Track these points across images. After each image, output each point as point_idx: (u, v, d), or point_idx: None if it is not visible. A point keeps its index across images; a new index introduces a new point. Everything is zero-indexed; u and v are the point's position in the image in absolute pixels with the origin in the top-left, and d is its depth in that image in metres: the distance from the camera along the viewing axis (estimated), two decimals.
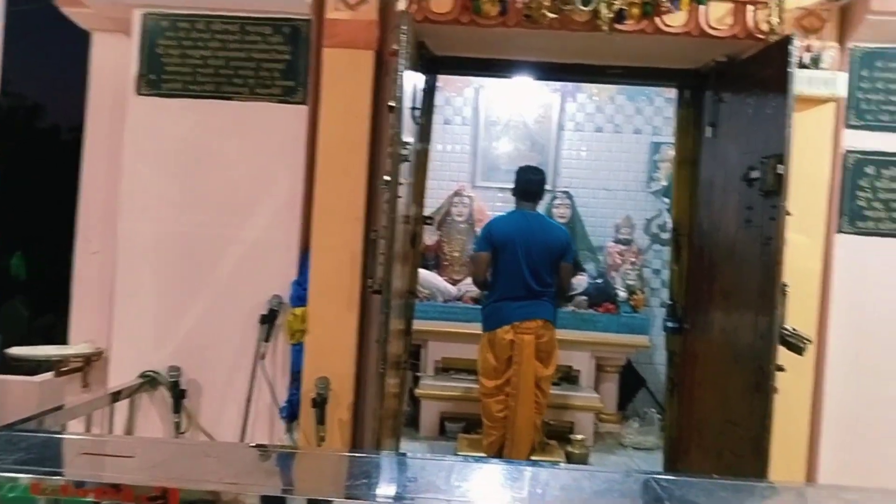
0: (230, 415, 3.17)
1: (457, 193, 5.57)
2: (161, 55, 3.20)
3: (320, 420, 3.01)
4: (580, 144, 5.88)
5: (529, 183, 4.01)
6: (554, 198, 5.54)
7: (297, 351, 3.14)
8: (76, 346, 3.40)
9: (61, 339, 3.53)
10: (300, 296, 3.10)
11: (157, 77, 3.20)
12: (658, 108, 5.78)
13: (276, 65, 3.17)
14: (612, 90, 5.75)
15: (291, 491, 1.68)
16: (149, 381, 3.15)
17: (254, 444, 2.64)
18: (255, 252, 3.16)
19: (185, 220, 3.19)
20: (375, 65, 3.10)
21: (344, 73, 3.08)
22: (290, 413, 3.14)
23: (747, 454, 2.79)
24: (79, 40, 3.59)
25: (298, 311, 3.09)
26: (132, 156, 3.21)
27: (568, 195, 5.56)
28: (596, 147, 5.87)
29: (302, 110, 3.16)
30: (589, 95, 5.83)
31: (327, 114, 3.10)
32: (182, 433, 3.16)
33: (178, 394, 3.13)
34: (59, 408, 2.64)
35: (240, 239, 3.17)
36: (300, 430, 3.11)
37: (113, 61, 3.42)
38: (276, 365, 3.20)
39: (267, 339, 3.13)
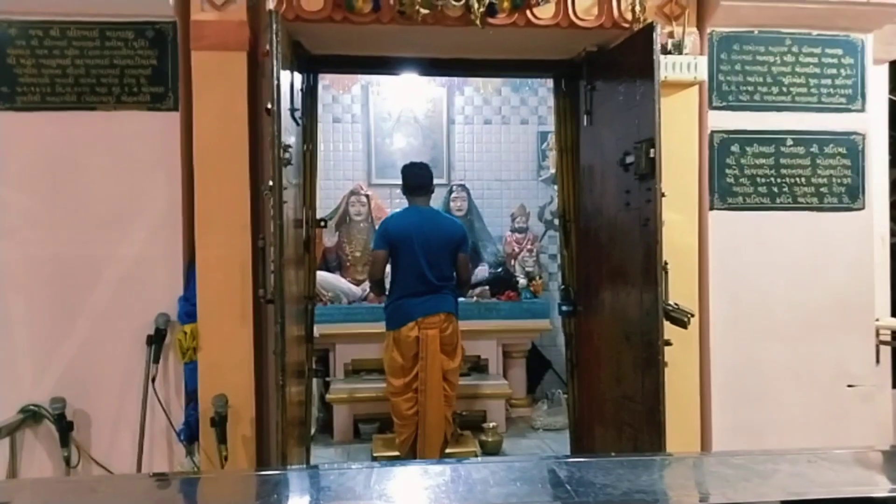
0: (124, 443, 3.01)
1: (353, 192, 5.51)
2: (13, 66, 2.98)
3: (221, 439, 2.91)
4: (471, 137, 5.96)
5: (416, 178, 4.01)
6: (450, 191, 5.59)
7: (191, 369, 3.01)
8: None
9: None
10: (188, 312, 2.98)
11: (9, 90, 2.98)
12: (542, 97, 5.93)
13: (142, 70, 3.02)
14: (498, 82, 5.85)
15: None
16: (30, 415, 2.94)
17: (150, 474, 2.51)
18: (135, 269, 3.01)
19: (57, 240, 2.99)
20: (249, 66, 3.01)
21: (216, 77, 2.96)
22: (189, 435, 3.01)
23: (644, 427, 2.92)
24: None
25: (188, 327, 2.97)
26: None
27: (464, 188, 5.62)
28: (486, 139, 5.97)
29: (174, 117, 3.03)
30: (475, 88, 5.90)
31: (201, 119, 2.98)
32: (73, 468, 2.97)
33: (64, 427, 2.94)
34: None
35: (118, 256, 3.00)
36: (201, 451, 3.00)
37: None
38: (168, 386, 3.06)
39: (156, 360, 2.99)
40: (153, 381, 2.98)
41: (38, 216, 3.00)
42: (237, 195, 2.99)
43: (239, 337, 2.98)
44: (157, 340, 2.97)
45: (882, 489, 1.56)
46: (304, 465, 3.24)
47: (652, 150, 2.79)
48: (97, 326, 3.00)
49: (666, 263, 2.81)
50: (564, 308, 3.60)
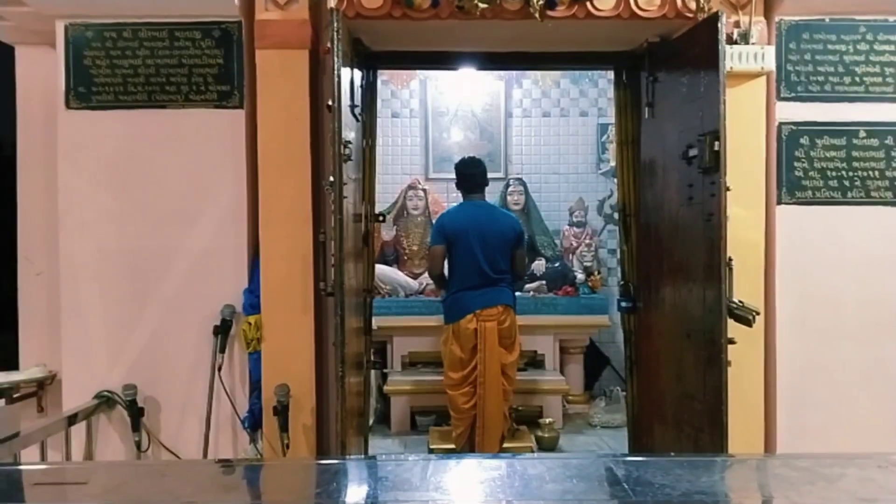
0: (191, 429, 3.13)
1: (411, 187, 5.56)
2: (89, 66, 3.12)
3: (283, 427, 2.99)
4: (529, 130, 5.91)
5: (469, 174, 4.02)
6: (507, 185, 5.57)
7: (255, 359, 3.10)
8: (27, 370, 3.31)
9: (10, 363, 3.43)
10: (253, 303, 3.07)
11: (86, 89, 3.12)
12: (602, 89, 5.83)
13: (209, 70, 3.12)
14: (557, 75, 5.78)
15: None
16: (105, 401, 3.09)
17: (216, 460, 2.60)
18: (202, 262, 3.12)
19: (128, 233, 3.13)
20: (311, 64, 3.07)
21: (279, 75, 3.04)
22: (253, 423, 3.11)
23: (705, 427, 2.86)
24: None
25: (252, 318, 3.06)
26: (67, 171, 3.13)
27: (521, 182, 5.59)
28: (544, 132, 5.91)
29: (239, 114, 3.12)
30: (534, 81, 5.85)
31: (265, 116, 3.06)
32: (143, 452, 3.11)
33: (135, 412, 3.08)
34: (13, 436, 2.56)
35: (186, 249, 3.12)
36: (264, 439, 3.09)
37: (40, 75, 3.34)
38: (234, 375, 3.16)
39: (222, 350, 3.09)
40: (219, 370, 3.08)
41: (111, 210, 3.14)
42: (299, 190, 3.06)
43: (301, 328, 3.05)
44: (223, 331, 3.07)
45: None
46: (363, 455, 3.30)
47: (716, 143, 2.71)
48: (167, 317, 3.12)
49: (730, 259, 2.74)
50: (624, 304, 3.55)
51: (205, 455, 3.06)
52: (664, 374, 3.23)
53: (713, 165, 2.75)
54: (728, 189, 2.71)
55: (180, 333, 3.11)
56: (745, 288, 2.86)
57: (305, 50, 3.06)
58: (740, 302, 2.75)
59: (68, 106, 3.12)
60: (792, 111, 3.10)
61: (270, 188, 3.06)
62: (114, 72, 3.13)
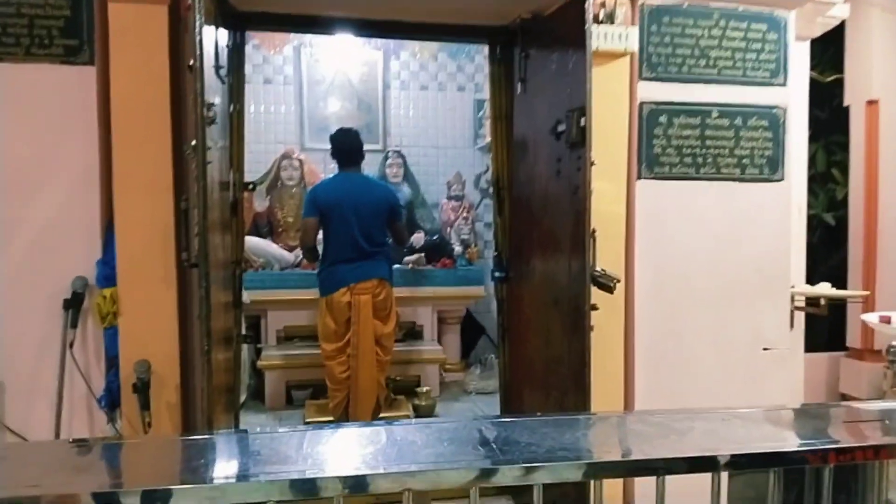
0: (41, 412, 2.89)
1: (285, 156, 5.39)
2: None
3: (144, 405, 2.83)
4: (407, 103, 5.89)
5: (345, 144, 3.97)
6: (386, 157, 5.53)
7: (111, 335, 2.91)
8: None
9: None
10: (107, 276, 2.86)
11: None
12: (479, 65, 5.91)
13: (55, 21, 2.84)
14: (434, 48, 5.79)
15: (121, 484, 1.55)
16: None
17: (70, 440, 2.42)
18: (49, 232, 2.87)
19: None
20: (171, 21, 2.87)
21: (134, 30, 2.81)
22: (111, 401, 2.92)
23: (571, 390, 2.99)
24: None
25: (107, 291, 2.86)
26: None
27: (400, 154, 5.57)
28: (422, 105, 5.91)
29: (89, 71, 2.87)
30: (412, 53, 5.82)
31: (118, 75, 2.83)
32: None
33: None
34: None
35: (30, 219, 2.85)
36: (123, 418, 2.91)
37: None
38: (88, 352, 2.95)
39: (74, 326, 2.87)
40: (71, 346, 2.86)
41: None
42: (158, 156, 2.87)
43: (162, 301, 2.89)
44: (74, 305, 2.85)
45: (791, 444, 1.64)
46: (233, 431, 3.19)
47: (583, 119, 2.81)
48: (10, 291, 2.85)
49: (594, 231, 2.85)
50: (497, 274, 3.64)
51: (57, 437, 2.85)
52: (533, 340, 3.35)
53: (579, 140, 2.85)
54: (593, 164, 2.81)
55: (27, 309, 2.86)
56: (607, 258, 3.00)
57: (164, 5, 2.85)
58: (603, 270, 2.89)
59: None
60: (652, 91, 3.26)
61: (126, 153, 2.85)
62: None
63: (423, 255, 5.27)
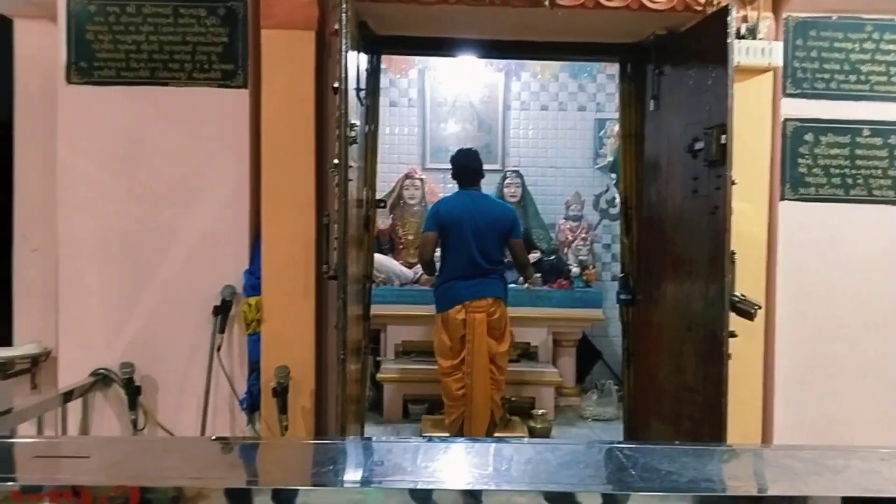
0: (189, 409, 3.10)
1: (408, 176, 5.54)
2: (91, 41, 3.07)
3: (282, 409, 2.97)
4: (527, 123, 5.90)
5: (465, 165, 4.03)
6: (504, 177, 5.56)
7: (255, 341, 3.08)
8: (22, 346, 3.26)
9: (4, 340, 3.38)
10: (253, 285, 3.05)
11: (87, 64, 3.07)
12: (601, 84, 5.84)
13: (214, 48, 3.08)
14: (556, 68, 5.78)
15: (256, 482, 1.65)
16: (101, 379, 3.06)
17: (214, 437, 2.58)
18: (203, 242, 3.09)
19: (128, 212, 3.09)
20: (317, 45, 3.05)
21: (284, 55, 3.01)
22: (251, 404, 3.09)
23: (705, 420, 2.87)
24: None
25: (252, 300, 3.04)
26: (67, 148, 3.08)
27: (518, 174, 5.58)
28: (542, 125, 5.90)
29: (243, 94, 3.09)
30: (533, 74, 5.84)
31: (269, 97, 3.03)
32: (140, 430, 3.08)
33: (132, 391, 3.04)
34: (7, 411, 2.52)
35: (187, 229, 3.09)
36: (262, 420, 3.07)
37: (39, 49, 3.26)
38: (233, 356, 3.14)
39: (222, 331, 3.06)
40: (218, 350, 3.06)
41: (111, 188, 3.10)
42: (302, 172, 3.04)
43: (301, 311, 3.03)
44: (222, 311, 3.05)
45: None
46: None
47: (723, 137, 2.72)
48: (166, 296, 3.09)
49: (733, 253, 2.75)
50: (623, 297, 3.56)
51: (202, 434, 3.04)
52: (663, 366, 3.24)
53: (719, 159, 2.76)
54: (734, 183, 2.72)
55: (180, 313, 3.08)
56: (746, 282, 2.87)
57: (312, 31, 3.04)
58: (742, 295, 2.76)
59: (69, 81, 3.07)
60: (797, 108, 3.12)
61: (273, 169, 3.03)
62: (116, 47, 3.08)
63: (539, 274, 5.24)
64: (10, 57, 3.38)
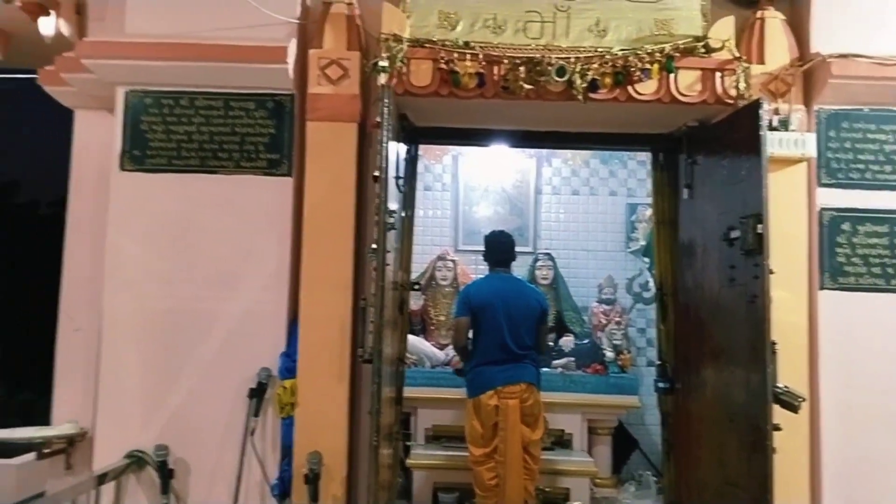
0: (220, 494, 3.08)
1: (440, 258, 5.59)
2: (145, 131, 3.24)
3: (313, 497, 2.93)
4: (558, 207, 5.96)
5: (498, 246, 4.03)
6: (536, 259, 5.58)
7: (288, 425, 3.07)
8: (59, 426, 3.29)
9: (41, 418, 3.42)
10: (289, 367, 3.06)
11: (141, 153, 3.23)
12: (631, 170, 5.91)
13: (261, 138, 3.22)
14: (586, 155, 5.88)
15: None
16: (135, 461, 3.06)
17: None
18: (242, 325, 3.14)
19: (171, 294, 3.17)
20: (359, 136, 3.17)
21: (328, 145, 3.13)
22: (282, 490, 3.05)
23: None
24: (57, 116, 3.63)
25: (288, 383, 3.05)
26: (116, 231, 3.21)
27: (550, 257, 5.60)
28: (573, 209, 5.95)
29: (287, 182, 3.20)
30: (564, 160, 5.95)
31: (312, 185, 3.14)
32: None
33: (165, 474, 3.04)
34: (40, 494, 2.53)
35: (227, 312, 3.15)
36: None
37: (96, 137, 3.46)
38: (266, 440, 3.13)
39: (256, 414, 3.07)
40: (252, 433, 3.05)
41: (156, 271, 3.19)
42: (341, 257, 3.11)
43: (335, 395, 3.03)
44: (258, 394, 3.06)
45: None
46: None
47: (759, 226, 2.73)
48: (204, 378, 3.12)
49: (774, 343, 2.70)
50: (661, 385, 3.49)
51: None
52: (705, 459, 3.14)
53: (756, 248, 2.76)
54: (772, 272, 2.71)
55: (216, 395, 3.11)
56: (788, 372, 2.81)
57: (354, 123, 3.17)
58: (786, 387, 2.70)
59: (122, 167, 3.23)
60: (833, 197, 3.13)
61: (313, 254, 3.10)
62: (169, 137, 3.24)
63: (572, 359, 5.16)
64: (68, 145, 3.58)
